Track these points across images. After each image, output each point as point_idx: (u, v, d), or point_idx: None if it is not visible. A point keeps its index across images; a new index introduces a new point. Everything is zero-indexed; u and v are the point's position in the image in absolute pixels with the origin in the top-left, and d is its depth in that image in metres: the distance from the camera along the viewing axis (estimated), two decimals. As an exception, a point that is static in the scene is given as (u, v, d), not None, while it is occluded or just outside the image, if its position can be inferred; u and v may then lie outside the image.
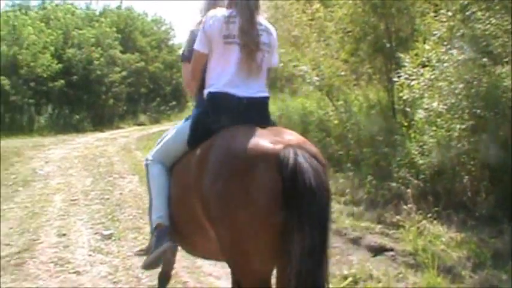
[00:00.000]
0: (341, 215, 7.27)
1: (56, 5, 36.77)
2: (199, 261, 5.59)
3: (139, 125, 34.20)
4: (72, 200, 9.01)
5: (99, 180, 11.01)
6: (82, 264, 5.61)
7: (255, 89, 3.19)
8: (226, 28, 3.10)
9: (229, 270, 3.02)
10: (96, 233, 6.80)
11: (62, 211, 8.21)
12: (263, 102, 3.26)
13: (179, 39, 50.91)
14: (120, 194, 9.52)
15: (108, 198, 9.11)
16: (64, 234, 6.79)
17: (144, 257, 3.55)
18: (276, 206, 2.49)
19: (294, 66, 10.40)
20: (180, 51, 3.85)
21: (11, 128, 24.98)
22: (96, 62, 31.04)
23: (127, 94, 35.28)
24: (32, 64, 27.26)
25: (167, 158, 3.45)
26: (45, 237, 6.69)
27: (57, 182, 10.80)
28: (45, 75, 27.77)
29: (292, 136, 2.84)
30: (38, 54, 27.65)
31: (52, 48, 29.24)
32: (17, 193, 9.69)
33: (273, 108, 12.57)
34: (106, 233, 6.71)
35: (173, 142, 3.45)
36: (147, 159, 3.65)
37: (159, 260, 3.36)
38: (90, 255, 5.91)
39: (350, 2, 9.40)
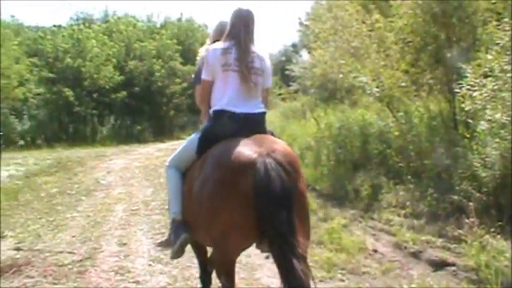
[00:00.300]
0: (401, 228, 7.12)
1: (119, 18, 37.71)
2: (258, 273, 5.59)
3: (199, 135, 34.52)
4: (133, 210, 9.17)
5: (160, 191, 11.16)
6: (142, 274, 5.68)
7: (251, 106, 3.83)
8: (224, 58, 3.79)
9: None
10: (156, 243, 6.88)
11: (123, 221, 8.37)
12: (259, 116, 3.91)
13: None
14: (180, 204, 9.60)
15: (168, 209, 9.19)
16: (125, 244, 6.90)
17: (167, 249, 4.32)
18: (249, 207, 3.11)
19: (354, 77, 10.29)
20: (193, 75, 4.65)
21: (75, 138, 25.76)
22: (157, 74, 31.63)
23: (187, 105, 35.71)
24: (95, 76, 28.03)
25: (180, 163, 4.06)
26: (107, 246, 6.82)
27: (118, 191, 11.03)
28: (107, 87, 28.49)
29: (272, 144, 3.45)
30: (100, 66, 28.41)
31: (114, 60, 29.99)
32: (79, 202, 9.96)
33: (333, 119, 12.47)
34: (166, 243, 6.78)
35: (185, 151, 4.07)
36: (166, 164, 4.19)
37: (183, 248, 3.99)
38: (150, 265, 5.98)
39: (410, 12, 9.22)
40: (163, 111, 32.54)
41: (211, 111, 3.89)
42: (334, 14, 12.01)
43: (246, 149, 3.32)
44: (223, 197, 3.25)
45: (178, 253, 4.02)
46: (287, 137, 15.17)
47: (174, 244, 3.96)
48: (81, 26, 31.68)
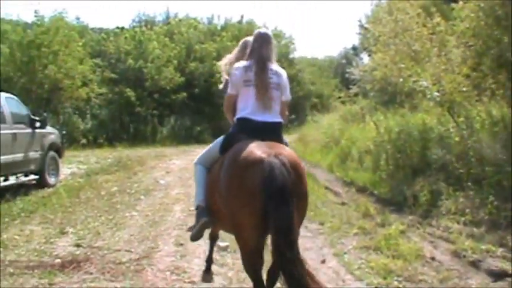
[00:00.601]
0: (460, 236, 6.91)
1: (180, 20, 38.22)
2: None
3: (258, 138, 34.64)
4: (190, 210, 9.21)
5: (217, 192, 11.21)
6: (197, 275, 5.69)
7: (269, 116, 4.36)
8: (245, 75, 4.38)
9: None
10: (212, 244, 6.91)
11: (180, 221, 8.45)
12: (275, 125, 4.44)
13: (300, 52, 51.16)
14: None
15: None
16: (181, 244, 6.95)
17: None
18: (256, 198, 3.58)
19: (414, 81, 10.09)
20: (221, 86, 5.56)
21: (135, 138, 26.27)
22: (217, 75, 31.62)
23: (246, 107, 35.86)
24: (156, 77, 28.53)
25: (206, 161, 4.63)
26: (164, 245, 6.89)
27: (176, 192, 11.16)
28: (168, 88, 28.94)
29: (280, 149, 3.90)
30: (161, 67, 28.89)
31: (175, 61, 30.40)
32: (138, 201, 10.12)
33: (392, 124, 12.26)
34: (222, 244, 6.76)
35: (211, 151, 4.63)
36: (194, 161, 4.81)
37: (202, 231, 4.46)
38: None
39: (472, 15, 8.98)
40: (222, 113, 32.56)
41: (235, 118, 4.49)
42: (394, 16, 11.80)
43: (257, 150, 3.81)
44: (235, 188, 3.76)
45: (197, 234, 4.51)
46: (346, 140, 15.04)
47: (195, 226, 4.53)
48: (143, 28, 32.28)
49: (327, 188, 11.53)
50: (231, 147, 4.15)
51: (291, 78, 32.75)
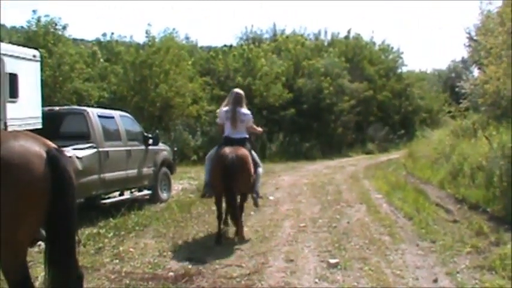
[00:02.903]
0: None
1: (287, 37, 38.63)
2: None
3: (367, 153, 34.27)
4: (300, 227, 9.27)
5: (327, 208, 11.21)
6: (308, 291, 5.70)
7: (238, 134, 8.63)
8: (225, 114, 8.74)
9: None
10: (322, 261, 6.87)
11: (290, 237, 8.49)
12: (241, 139, 8.62)
13: (408, 67, 50.22)
14: (348, 222, 9.56)
15: (335, 227, 9.20)
16: (292, 260, 6.97)
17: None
18: (219, 172, 8.30)
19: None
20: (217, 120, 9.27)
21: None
22: (325, 91, 31.87)
23: (355, 123, 35.55)
24: (264, 94, 28.95)
25: (210, 157, 8.74)
26: (274, 261, 6.94)
27: (286, 208, 11.23)
28: (276, 104, 29.27)
29: (237, 150, 8.18)
30: (270, 84, 29.23)
31: (283, 78, 30.69)
32: (249, 217, 10.26)
33: (506, 138, 11.74)
34: (332, 261, 6.74)
35: (212, 152, 8.78)
36: (206, 157, 9.06)
37: (206, 192, 8.80)
38: (315, 282, 5.98)
39: None
40: (331, 129, 32.68)
41: (223, 136, 8.81)
42: (507, 27, 11.32)
43: (226, 150, 8.16)
44: (214, 167, 8.30)
45: (205, 194, 8.88)
46: (457, 156, 14.54)
47: (204, 191, 8.86)
48: (251, 46, 32.86)
49: (438, 205, 11.17)
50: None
51: (400, 93, 32.57)
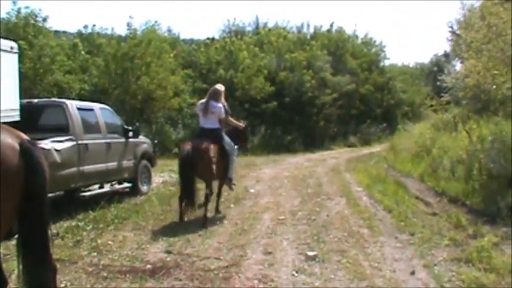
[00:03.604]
0: None
1: (269, 30, 38.58)
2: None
3: (349, 146, 34.42)
4: (279, 219, 9.29)
5: (307, 201, 11.24)
6: (285, 284, 5.71)
7: (210, 124, 9.55)
8: (200, 105, 9.77)
9: None
10: (300, 253, 6.90)
11: (269, 229, 8.51)
12: (213, 130, 9.52)
13: (391, 60, 50.42)
14: (327, 215, 9.60)
15: (314, 219, 9.23)
16: (270, 253, 6.99)
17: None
18: (183, 161, 9.52)
19: (508, 88, 9.71)
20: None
21: (226, 147, 26.61)
22: (307, 85, 31.90)
23: (338, 116, 35.65)
24: (246, 87, 28.93)
25: None
26: (252, 253, 6.96)
27: (266, 201, 11.26)
28: (258, 97, 29.26)
29: (203, 142, 9.23)
30: (252, 77, 29.19)
31: (265, 71, 30.66)
32: (228, 210, 10.29)
33: (486, 132, 11.87)
34: (310, 253, 6.77)
35: None
36: None
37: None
38: (293, 275, 6.00)
39: None
40: (313, 122, 32.74)
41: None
42: (487, 21, 11.42)
43: (195, 141, 9.37)
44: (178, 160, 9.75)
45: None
46: (437, 149, 14.68)
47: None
48: (233, 38, 32.80)
49: (417, 197, 11.27)
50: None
51: (382, 87, 32.74)
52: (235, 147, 10.28)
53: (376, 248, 7.15)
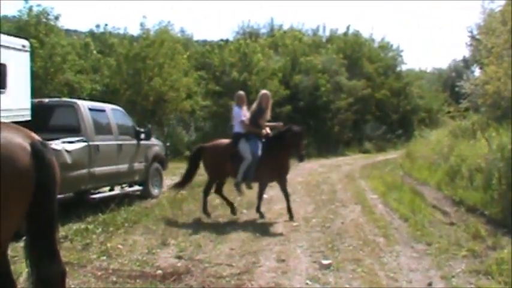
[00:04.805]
0: None
1: (284, 32, 38.60)
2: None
3: (364, 152, 34.26)
4: (293, 226, 9.25)
5: (321, 208, 11.20)
6: (299, 292, 5.68)
7: (235, 129, 10.33)
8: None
9: None
10: (314, 262, 6.85)
11: (282, 236, 8.48)
12: (234, 133, 10.34)
13: (408, 65, 50.23)
14: (342, 223, 9.54)
15: (329, 227, 9.18)
16: (283, 260, 6.95)
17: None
18: None
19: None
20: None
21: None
22: (322, 89, 31.84)
23: (353, 121, 35.54)
24: (260, 90, 28.79)
25: None
26: (265, 261, 6.92)
27: (279, 207, 11.18)
28: (272, 101, 29.12)
29: (217, 142, 10.76)
30: (266, 80, 29.17)
31: (280, 74, 30.63)
32: (241, 215, 10.27)
33: (506, 140, 11.73)
34: (325, 262, 6.72)
35: None
36: None
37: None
38: (307, 283, 5.95)
39: None
40: (327, 127, 32.65)
41: None
42: (509, 27, 11.31)
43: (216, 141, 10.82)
44: None
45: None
46: (455, 157, 14.53)
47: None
48: (248, 40, 32.82)
49: (434, 207, 11.16)
50: None
51: (398, 92, 32.65)
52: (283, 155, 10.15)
53: (392, 258, 7.08)
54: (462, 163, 13.56)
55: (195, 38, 39.40)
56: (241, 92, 10.80)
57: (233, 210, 10.31)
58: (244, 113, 10.25)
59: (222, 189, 10.74)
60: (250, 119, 10.13)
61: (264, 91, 10.71)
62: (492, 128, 14.83)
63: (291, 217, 9.76)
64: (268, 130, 10.35)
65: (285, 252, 7.36)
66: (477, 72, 29.70)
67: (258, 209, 10.18)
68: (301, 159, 10.18)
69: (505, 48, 11.60)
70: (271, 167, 9.95)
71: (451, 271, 6.43)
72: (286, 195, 10.06)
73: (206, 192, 10.46)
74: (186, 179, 10.99)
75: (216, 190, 10.63)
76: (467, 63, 47.78)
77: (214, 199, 11.02)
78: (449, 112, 29.70)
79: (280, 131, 10.30)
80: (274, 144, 10.03)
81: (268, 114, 10.39)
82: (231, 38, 38.13)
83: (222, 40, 35.67)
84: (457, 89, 25.00)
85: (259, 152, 9.98)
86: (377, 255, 7.18)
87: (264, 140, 10.17)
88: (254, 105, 10.27)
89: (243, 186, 10.31)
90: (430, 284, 5.92)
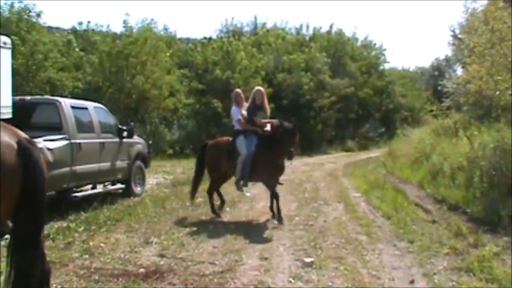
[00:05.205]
0: None
1: (267, 31, 38.61)
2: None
3: (347, 151, 34.40)
4: (276, 224, 9.26)
5: (304, 206, 11.23)
6: (281, 290, 5.69)
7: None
8: None
9: None
10: (297, 260, 6.86)
11: (265, 234, 8.50)
12: (234, 131, 10.25)
13: (391, 64, 50.51)
14: (324, 221, 9.58)
15: (312, 225, 9.21)
16: (266, 258, 6.95)
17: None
18: None
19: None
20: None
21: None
22: (305, 87, 31.92)
23: (335, 119, 35.65)
24: (243, 88, 28.77)
25: None
26: (248, 259, 6.91)
27: (262, 205, 11.20)
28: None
29: (218, 140, 10.86)
30: (249, 78, 29.19)
31: (263, 72, 30.66)
32: (223, 213, 10.27)
33: (487, 139, 11.85)
34: (307, 260, 6.74)
35: None
36: None
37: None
38: (289, 281, 5.96)
39: None
40: (310, 125, 32.73)
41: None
42: (491, 26, 11.41)
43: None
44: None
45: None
46: (437, 156, 14.66)
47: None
48: (231, 38, 32.81)
49: (417, 204, 11.24)
50: None
51: (381, 91, 32.84)
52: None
53: (374, 256, 7.12)
54: (444, 161, 13.68)
55: (178, 36, 39.15)
56: (238, 90, 10.79)
57: (221, 207, 10.50)
58: (241, 112, 10.08)
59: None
60: (247, 117, 9.96)
61: (257, 87, 10.57)
62: (474, 126, 14.98)
63: (274, 215, 9.64)
64: (268, 127, 9.80)
65: (267, 251, 7.37)
66: (459, 71, 29.96)
67: (271, 209, 9.88)
68: (290, 157, 9.57)
69: (487, 48, 11.67)
70: (265, 166, 9.66)
71: (433, 269, 6.48)
72: (273, 195, 9.86)
73: (210, 193, 10.35)
74: (196, 181, 10.70)
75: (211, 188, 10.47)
76: (449, 62, 48.14)
77: (197, 197, 11.00)
78: (431, 111, 29.85)
79: (272, 128, 9.75)
80: (266, 143, 9.62)
81: (266, 111, 10.12)
82: (214, 36, 38.09)
83: (205, 38, 35.57)
84: (439, 87, 25.19)
85: (253, 148, 9.69)
86: (359, 253, 7.21)
87: (258, 137, 9.79)
88: (248, 103, 10.16)
89: (241, 184, 10.06)
90: (412, 282, 5.96)
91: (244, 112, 10.02)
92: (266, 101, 10.28)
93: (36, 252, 3.67)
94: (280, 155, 9.63)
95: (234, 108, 10.33)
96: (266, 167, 9.68)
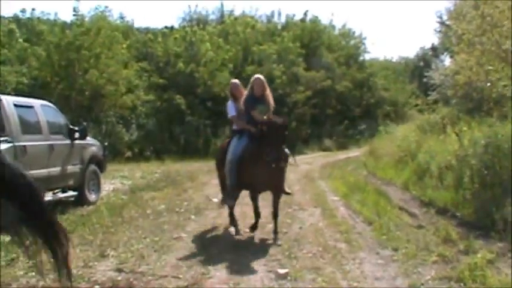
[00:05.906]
0: None
1: (235, 19, 38.59)
2: None
3: (324, 150, 34.54)
4: (246, 232, 9.25)
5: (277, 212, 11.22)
6: (253, 305, 5.68)
7: None
8: None
9: None
10: (270, 271, 6.86)
11: (234, 244, 8.51)
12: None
13: (371, 54, 50.85)
14: (300, 228, 9.61)
15: (286, 233, 9.22)
16: (235, 270, 6.94)
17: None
18: None
19: (504, 85, 9.79)
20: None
21: (186, 150, 26.52)
22: (277, 81, 31.94)
23: (311, 116, 35.75)
24: (209, 82, 28.83)
25: None
26: (215, 271, 6.89)
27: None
28: (222, 95, 29.11)
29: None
30: (215, 71, 29.14)
31: (230, 65, 30.65)
32: (188, 222, 10.24)
33: (478, 135, 11.98)
34: (281, 271, 6.74)
35: None
36: None
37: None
38: (262, 295, 5.98)
39: None
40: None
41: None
42: (481, 11, 11.53)
43: None
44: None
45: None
46: (424, 154, 14.80)
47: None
48: (195, 28, 32.70)
49: (401, 208, 11.33)
50: None
51: (361, 84, 33.07)
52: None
53: (355, 265, 7.14)
54: (431, 160, 13.81)
55: (136, 26, 38.94)
56: (234, 81, 10.37)
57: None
58: (239, 107, 9.45)
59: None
60: (244, 111, 9.27)
61: (256, 75, 9.77)
62: (463, 121, 15.14)
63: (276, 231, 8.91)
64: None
65: (237, 262, 7.35)
66: (447, 61, 30.36)
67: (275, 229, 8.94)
68: (274, 160, 8.35)
69: (477, 35, 11.78)
70: (253, 172, 8.83)
71: (420, 278, 6.52)
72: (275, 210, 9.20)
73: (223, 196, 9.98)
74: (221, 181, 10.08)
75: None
76: (436, 51, 48.75)
77: (158, 204, 10.94)
78: (416, 105, 30.27)
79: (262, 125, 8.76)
80: (256, 143, 8.74)
81: (268, 104, 9.41)
82: (176, 26, 37.99)
83: (166, 28, 35.46)
84: (425, 79, 25.48)
85: (239, 152, 8.94)
86: (339, 263, 7.24)
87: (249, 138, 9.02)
88: (245, 94, 9.35)
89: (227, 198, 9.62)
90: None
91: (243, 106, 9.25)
92: (268, 92, 9.58)
93: None
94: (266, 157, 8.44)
95: (229, 103, 9.77)
96: (260, 173, 8.75)
